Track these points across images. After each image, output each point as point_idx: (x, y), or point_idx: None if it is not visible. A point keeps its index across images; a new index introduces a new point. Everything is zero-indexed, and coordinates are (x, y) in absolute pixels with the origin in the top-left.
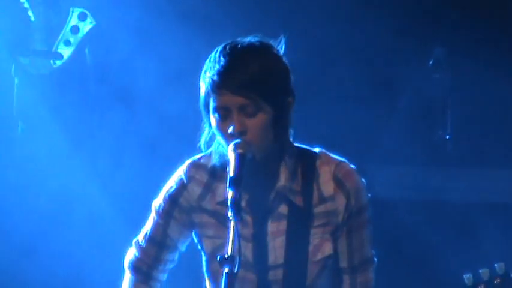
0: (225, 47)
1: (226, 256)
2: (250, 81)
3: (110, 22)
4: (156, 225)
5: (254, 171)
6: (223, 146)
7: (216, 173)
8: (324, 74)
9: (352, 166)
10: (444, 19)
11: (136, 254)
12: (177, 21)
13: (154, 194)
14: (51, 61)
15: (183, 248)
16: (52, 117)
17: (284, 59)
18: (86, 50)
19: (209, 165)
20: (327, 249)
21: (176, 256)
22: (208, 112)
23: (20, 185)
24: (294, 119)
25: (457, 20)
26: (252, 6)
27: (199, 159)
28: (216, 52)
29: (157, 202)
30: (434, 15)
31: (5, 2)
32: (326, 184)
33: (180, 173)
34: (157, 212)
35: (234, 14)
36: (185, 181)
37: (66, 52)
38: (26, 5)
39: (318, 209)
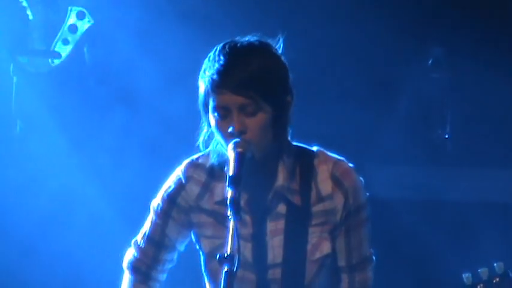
0: (224, 46)
1: (225, 255)
2: (250, 80)
3: (109, 22)
4: (154, 226)
5: (253, 170)
6: (221, 145)
7: (214, 172)
8: (323, 74)
9: (350, 165)
10: (443, 19)
11: (135, 255)
12: (177, 21)
13: (155, 194)
14: (49, 60)
15: (181, 248)
16: (51, 116)
17: (283, 58)
18: (85, 49)
19: (207, 165)
20: (325, 248)
21: (175, 256)
22: (207, 111)
23: (19, 184)
24: (294, 119)
25: (456, 20)
26: (252, 7)
27: (197, 158)
28: (215, 51)
29: (156, 202)
30: (433, 15)
31: (3, 1)
32: (324, 183)
33: (178, 172)
34: (156, 212)
35: (234, 14)
36: (183, 181)
37: (64, 51)
38: (25, 3)
39: (316, 208)
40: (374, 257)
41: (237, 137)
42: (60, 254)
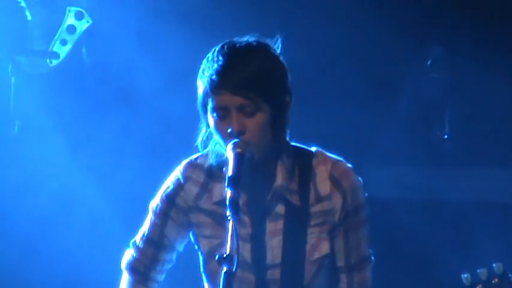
0: (223, 47)
1: (224, 255)
2: (249, 80)
3: (108, 22)
4: (153, 226)
5: (252, 170)
6: (220, 146)
7: (213, 172)
8: (323, 74)
9: (349, 165)
10: (443, 19)
11: (134, 255)
12: (177, 21)
13: (154, 195)
14: (48, 60)
15: (180, 248)
16: (49, 116)
17: (281, 58)
18: (83, 49)
19: (206, 165)
20: (324, 248)
21: (174, 256)
22: (205, 111)
23: (18, 184)
24: (294, 119)
25: (456, 20)
26: (252, 7)
27: (195, 159)
28: (214, 51)
29: (155, 202)
30: (433, 15)
31: (2, 1)
32: (323, 183)
33: (176, 173)
34: (155, 212)
35: (233, 15)
36: (182, 181)
37: (62, 51)
38: (23, 4)
39: (315, 208)
40: (373, 257)
41: (236, 137)
42: (60, 254)
